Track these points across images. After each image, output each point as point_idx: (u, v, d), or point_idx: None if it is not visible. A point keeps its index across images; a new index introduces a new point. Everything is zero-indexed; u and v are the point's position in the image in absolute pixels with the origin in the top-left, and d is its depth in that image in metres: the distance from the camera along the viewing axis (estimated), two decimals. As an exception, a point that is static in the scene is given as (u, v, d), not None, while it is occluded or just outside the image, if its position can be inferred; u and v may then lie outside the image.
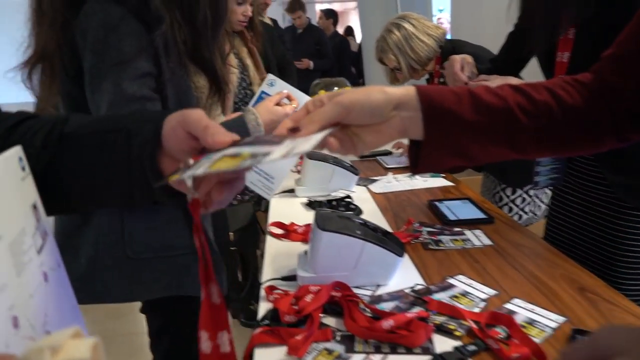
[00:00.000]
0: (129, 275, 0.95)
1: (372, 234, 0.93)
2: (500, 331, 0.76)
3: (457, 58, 1.34)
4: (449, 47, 1.80)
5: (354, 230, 0.91)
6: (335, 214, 0.98)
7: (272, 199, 1.56)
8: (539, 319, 0.81)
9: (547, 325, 0.78)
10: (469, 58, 1.35)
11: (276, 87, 1.31)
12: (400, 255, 0.94)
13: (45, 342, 0.29)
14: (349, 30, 6.34)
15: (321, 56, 4.79)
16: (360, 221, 0.97)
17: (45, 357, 0.28)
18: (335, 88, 3.48)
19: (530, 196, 1.77)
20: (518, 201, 1.78)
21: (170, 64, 0.87)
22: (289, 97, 1.08)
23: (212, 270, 0.53)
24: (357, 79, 5.99)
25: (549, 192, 1.75)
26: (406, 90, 0.62)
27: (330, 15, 5.67)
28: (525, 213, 1.79)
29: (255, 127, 0.97)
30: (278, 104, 1.04)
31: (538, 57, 1.25)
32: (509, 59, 1.34)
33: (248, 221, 2.09)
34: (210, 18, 0.90)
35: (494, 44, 1.51)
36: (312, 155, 1.56)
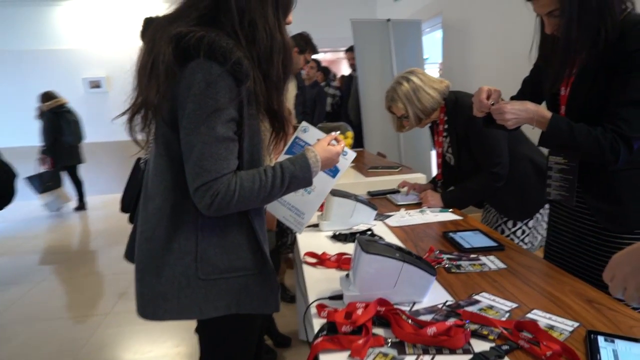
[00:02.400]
0: (199, 295, 1.08)
1: (408, 256, 1.07)
2: (527, 335, 0.90)
3: (485, 88, 1.44)
4: (452, 98, 1.99)
5: (393, 253, 1.06)
6: (375, 240, 1.12)
7: (298, 234, 1.71)
8: (557, 324, 0.95)
9: (565, 329, 0.93)
10: (496, 89, 1.44)
11: (309, 133, 1.48)
12: (434, 274, 1.08)
13: None
14: (326, 71, 6.58)
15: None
16: (395, 247, 1.12)
17: None
18: (338, 132, 3.70)
19: (529, 228, 1.94)
20: (519, 233, 1.94)
21: (249, 111, 1.04)
22: (336, 139, 1.26)
23: None
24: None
25: (544, 225, 1.92)
26: None
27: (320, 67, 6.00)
28: (525, 244, 1.95)
29: (315, 162, 1.14)
30: (329, 144, 1.22)
31: (545, 91, 1.43)
32: (525, 98, 1.46)
33: (271, 249, 2.20)
34: (282, 75, 1.09)
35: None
36: (335, 193, 1.72)
